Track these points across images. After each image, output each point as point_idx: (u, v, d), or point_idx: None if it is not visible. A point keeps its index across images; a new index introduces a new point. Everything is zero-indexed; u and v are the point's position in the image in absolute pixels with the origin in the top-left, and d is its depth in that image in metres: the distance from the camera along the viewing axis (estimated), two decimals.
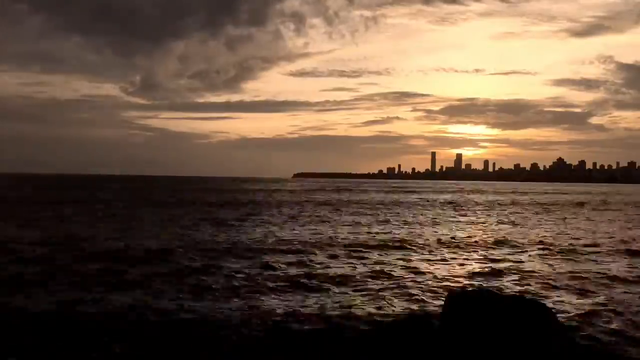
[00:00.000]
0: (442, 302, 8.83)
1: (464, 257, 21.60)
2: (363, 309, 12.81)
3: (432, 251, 22.96)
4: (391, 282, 16.04)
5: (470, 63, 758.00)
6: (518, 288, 15.27)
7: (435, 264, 19.76)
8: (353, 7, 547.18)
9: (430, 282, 16.07)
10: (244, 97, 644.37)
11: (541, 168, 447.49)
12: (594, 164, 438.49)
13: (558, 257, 21.57)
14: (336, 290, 14.86)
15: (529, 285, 15.80)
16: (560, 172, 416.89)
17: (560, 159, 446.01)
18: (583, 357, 7.71)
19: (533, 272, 17.97)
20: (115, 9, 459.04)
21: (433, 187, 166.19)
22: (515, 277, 17.10)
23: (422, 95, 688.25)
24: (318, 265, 18.71)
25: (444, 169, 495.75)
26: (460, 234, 30.29)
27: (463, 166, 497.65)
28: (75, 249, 21.36)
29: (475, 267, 19.16)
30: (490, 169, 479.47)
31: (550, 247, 24.34)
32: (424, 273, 17.68)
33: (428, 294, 14.51)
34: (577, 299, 14.08)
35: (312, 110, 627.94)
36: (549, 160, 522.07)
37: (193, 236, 26.79)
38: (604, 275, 17.46)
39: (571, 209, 58.78)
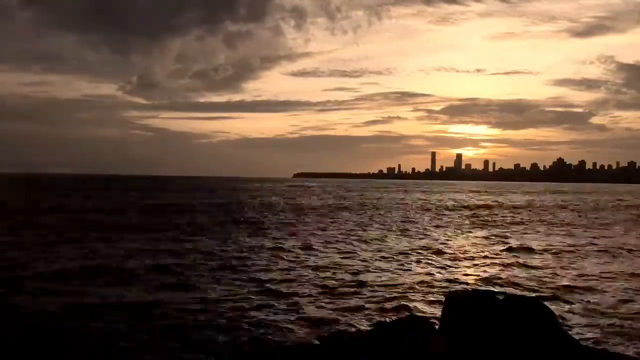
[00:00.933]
0: (442, 303, 8.81)
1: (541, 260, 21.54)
2: (363, 308, 12.81)
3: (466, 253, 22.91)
4: (392, 281, 16.05)
5: (471, 63, 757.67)
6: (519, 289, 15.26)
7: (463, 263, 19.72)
8: (355, 2, 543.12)
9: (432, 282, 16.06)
10: (245, 97, 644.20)
11: (541, 168, 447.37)
12: (594, 164, 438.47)
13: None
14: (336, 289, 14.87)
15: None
16: (560, 172, 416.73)
17: (560, 159, 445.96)
18: (583, 357, 7.68)
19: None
20: (110, 4, 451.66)
21: (481, 188, 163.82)
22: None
23: (423, 95, 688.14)
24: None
25: (444, 169, 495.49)
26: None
27: (463, 166, 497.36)
28: None
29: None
30: (490, 169, 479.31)
31: None
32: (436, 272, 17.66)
33: (428, 294, 14.50)
34: (579, 299, 14.08)
35: (313, 110, 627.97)
36: (549, 160, 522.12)
37: None
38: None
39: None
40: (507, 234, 30.80)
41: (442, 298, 11.22)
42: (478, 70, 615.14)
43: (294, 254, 21.64)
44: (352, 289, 15.02)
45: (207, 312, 12.39)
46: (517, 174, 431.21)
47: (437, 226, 35.69)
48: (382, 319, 11.54)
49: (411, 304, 13.32)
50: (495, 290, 12.24)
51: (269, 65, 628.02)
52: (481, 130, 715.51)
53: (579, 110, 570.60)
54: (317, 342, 9.54)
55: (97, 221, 34.35)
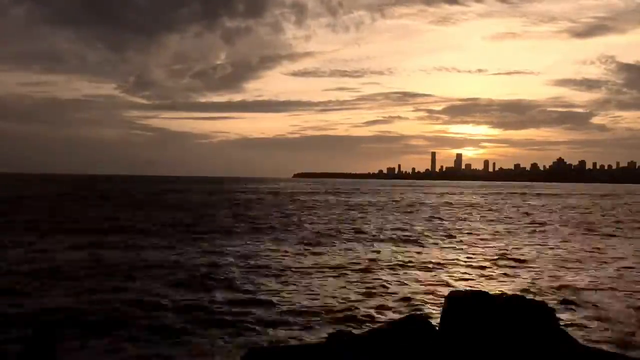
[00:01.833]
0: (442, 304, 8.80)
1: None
2: (362, 309, 12.79)
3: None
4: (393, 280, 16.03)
5: (472, 63, 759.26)
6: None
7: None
8: (357, 1, 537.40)
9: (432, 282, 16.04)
10: (246, 97, 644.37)
11: (541, 168, 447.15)
12: (594, 164, 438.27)
13: None
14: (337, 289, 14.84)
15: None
16: (560, 172, 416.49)
17: (560, 159, 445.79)
18: (583, 358, 7.66)
19: None
20: None
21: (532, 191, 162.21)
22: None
23: (424, 95, 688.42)
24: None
25: (443, 169, 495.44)
26: None
27: (463, 166, 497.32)
28: None
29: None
30: (491, 169, 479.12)
31: None
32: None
33: (428, 294, 14.48)
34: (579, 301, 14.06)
35: (314, 110, 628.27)
36: (549, 160, 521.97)
37: None
38: None
39: None
40: None
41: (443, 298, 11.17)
42: (479, 71, 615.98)
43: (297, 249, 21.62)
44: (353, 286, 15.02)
45: (207, 311, 12.38)
46: (517, 174, 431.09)
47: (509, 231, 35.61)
48: (382, 319, 11.55)
49: (411, 304, 13.31)
50: (495, 290, 12.23)
51: (270, 65, 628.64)
52: (481, 130, 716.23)
53: (580, 110, 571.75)
54: (317, 342, 9.52)
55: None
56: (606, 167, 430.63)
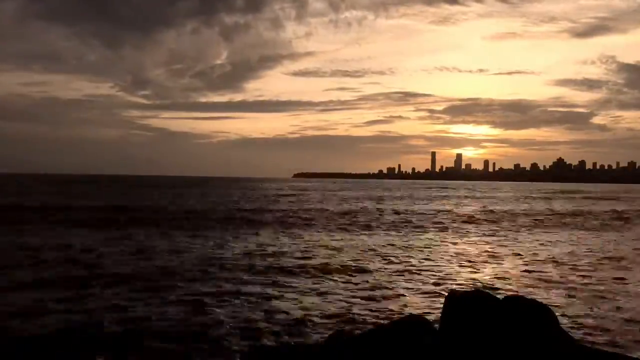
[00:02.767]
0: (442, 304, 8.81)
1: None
2: (362, 308, 12.81)
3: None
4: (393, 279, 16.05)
5: (473, 63, 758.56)
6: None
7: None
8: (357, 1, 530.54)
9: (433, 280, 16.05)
10: (247, 97, 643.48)
11: (541, 168, 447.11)
12: (594, 164, 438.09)
13: None
14: (336, 287, 14.86)
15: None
16: (561, 172, 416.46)
17: (560, 159, 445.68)
18: (583, 358, 7.67)
19: None
20: None
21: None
22: None
23: (425, 95, 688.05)
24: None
25: (444, 169, 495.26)
26: None
27: (463, 166, 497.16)
28: None
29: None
30: (491, 169, 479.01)
31: None
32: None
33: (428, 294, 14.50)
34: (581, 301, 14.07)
35: (315, 110, 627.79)
36: (549, 160, 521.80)
37: None
38: None
39: None
40: None
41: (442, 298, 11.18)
42: (480, 70, 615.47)
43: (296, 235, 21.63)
44: (352, 286, 15.04)
45: (208, 310, 12.40)
46: (517, 174, 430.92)
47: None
48: (382, 319, 11.55)
49: (411, 304, 13.33)
50: (495, 290, 12.25)
51: (271, 65, 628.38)
52: (481, 130, 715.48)
53: (580, 110, 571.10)
54: (317, 342, 9.54)
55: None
56: (606, 167, 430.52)
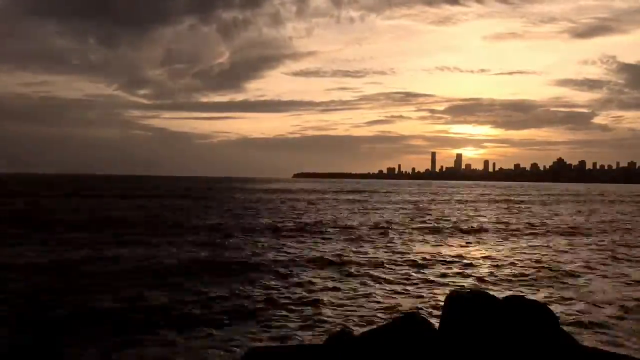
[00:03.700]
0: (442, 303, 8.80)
1: None
2: (361, 308, 12.80)
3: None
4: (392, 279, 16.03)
5: (473, 63, 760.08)
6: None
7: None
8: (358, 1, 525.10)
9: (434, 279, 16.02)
10: (248, 97, 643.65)
11: (541, 168, 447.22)
12: (594, 163, 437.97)
13: None
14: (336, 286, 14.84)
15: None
16: (560, 172, 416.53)
17: (560, 159, 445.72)
18: (583, 358, 7.65)
19: None
20: None
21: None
22: None
23: (426, 95, 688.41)
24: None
25: (444, 169, 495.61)
26: None
27: (463, 166, 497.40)
28: None
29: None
30: (491, 169, 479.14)
31: None
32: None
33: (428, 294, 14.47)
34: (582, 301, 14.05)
35: (316, 110, 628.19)
36: (549, 160, 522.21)
37: None
38: None
39: None
40: None
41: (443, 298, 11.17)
42: (481, 71, 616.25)
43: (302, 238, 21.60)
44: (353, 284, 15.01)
45: (208, 310, 12.38)
46: (517, 174, 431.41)
47: None
48: (382, 319, 11.55)
49: (411, 304, 13.31)
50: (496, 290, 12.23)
51: (272, 65, 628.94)
52: (481, 130, 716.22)
53: (581, 110, 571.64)
54: (317, 342, 9.52)
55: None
56: (606, 167, 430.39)
